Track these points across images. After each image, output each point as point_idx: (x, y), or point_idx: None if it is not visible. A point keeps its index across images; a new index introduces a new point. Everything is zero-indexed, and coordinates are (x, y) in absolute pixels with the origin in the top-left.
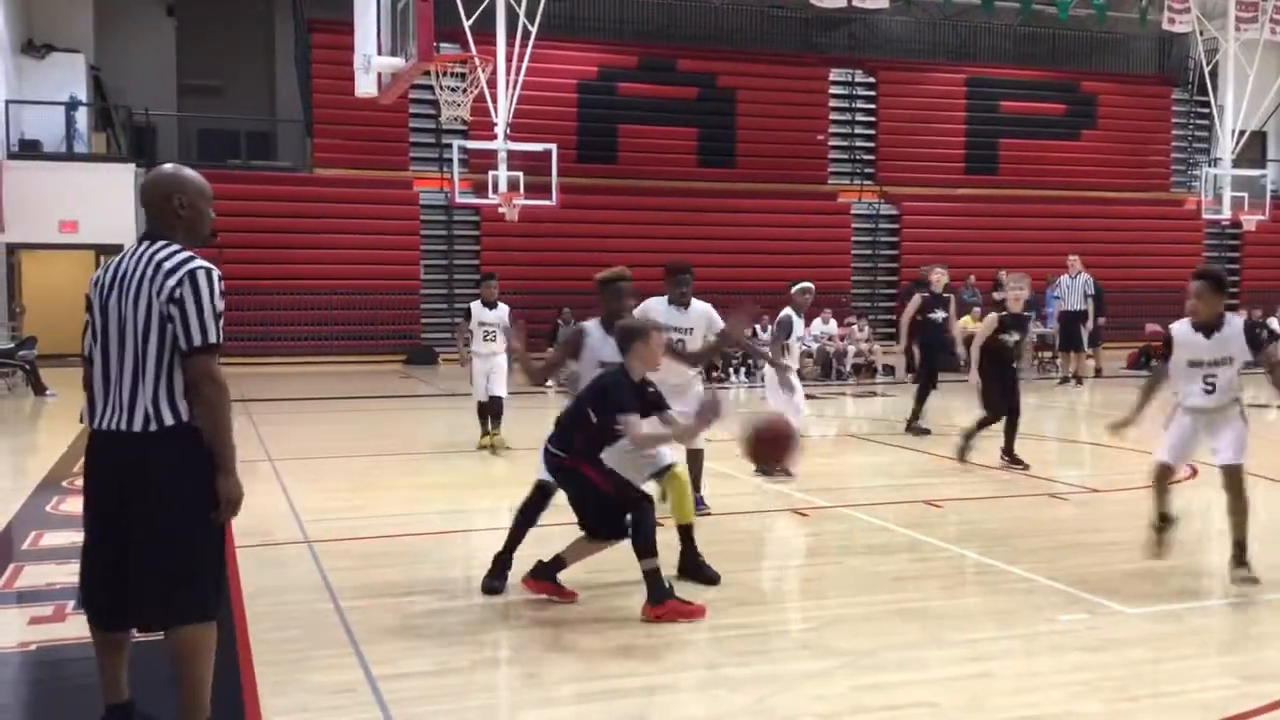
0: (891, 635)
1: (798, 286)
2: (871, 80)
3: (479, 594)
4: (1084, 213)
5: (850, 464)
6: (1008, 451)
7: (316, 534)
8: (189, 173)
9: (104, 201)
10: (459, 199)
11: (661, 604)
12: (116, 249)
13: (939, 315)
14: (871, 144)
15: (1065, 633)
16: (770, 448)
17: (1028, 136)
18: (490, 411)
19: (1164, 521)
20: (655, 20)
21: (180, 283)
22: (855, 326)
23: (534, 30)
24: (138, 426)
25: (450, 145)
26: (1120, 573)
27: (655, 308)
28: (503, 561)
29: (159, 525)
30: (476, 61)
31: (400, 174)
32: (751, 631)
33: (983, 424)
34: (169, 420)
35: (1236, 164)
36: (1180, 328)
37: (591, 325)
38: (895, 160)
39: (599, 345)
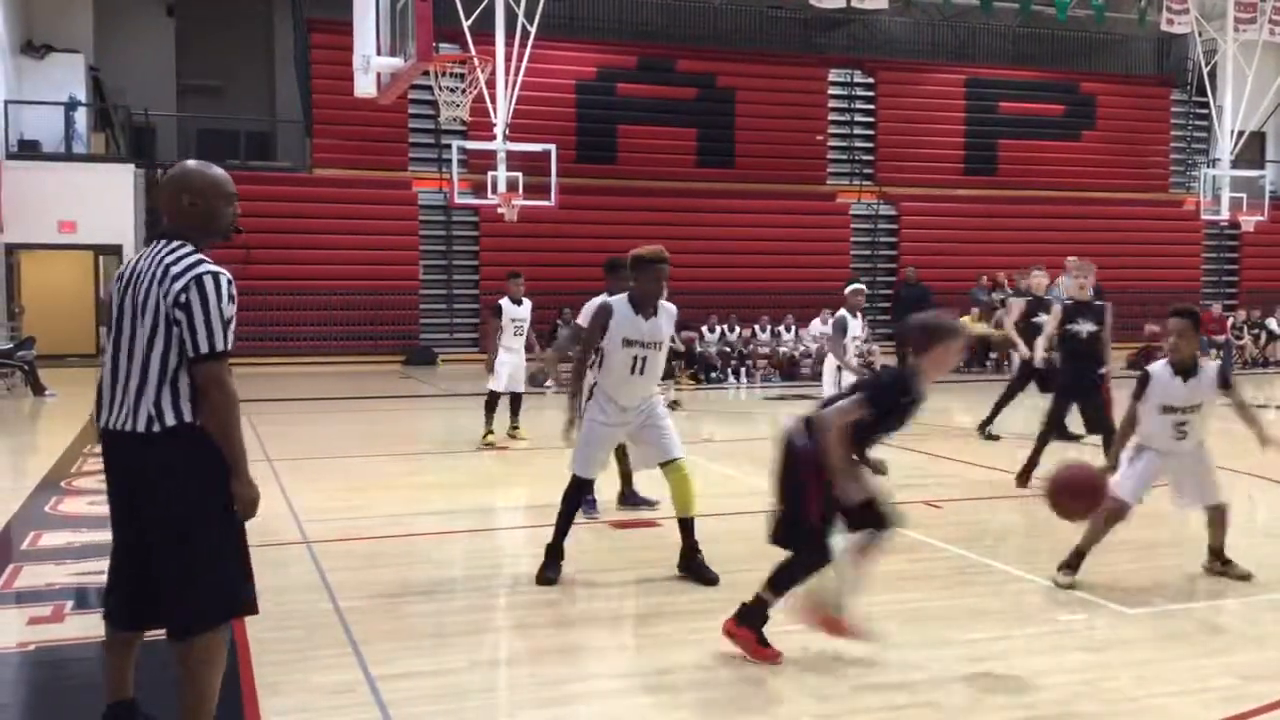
0: (892, 636)
1: (851, 287)
2: (870, 81)
3: (478, 594)
4: (1083, 213)
5: None
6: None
7: (315, 534)
8: (199, 168)
9: (103, 202)
10: (458, 199)
11: (744, 628)
12: (115, 250)
13: (1042, 318)
14: (870, 144)
15: (1065, 633)
16: (1074, 499)
17: (1026, 137)
18: (511, 406)
19: (1078, 558)
20: (654, 20)
21: (187, 287)
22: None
23: (533, 30)
24: (141, 427)
25: (449, 145)
26: (1120, 573)
27: (616, 303)
28: (555, 551)
29: (166, 528)
30: (475, 62)
31: (399, 174)
32: None
33: (1044, 440)
34: (170, 421)
35: (1235, 165)
36: (1159, 370)
37: (618, 301)
38: (894, 161)
39: (626, 323)
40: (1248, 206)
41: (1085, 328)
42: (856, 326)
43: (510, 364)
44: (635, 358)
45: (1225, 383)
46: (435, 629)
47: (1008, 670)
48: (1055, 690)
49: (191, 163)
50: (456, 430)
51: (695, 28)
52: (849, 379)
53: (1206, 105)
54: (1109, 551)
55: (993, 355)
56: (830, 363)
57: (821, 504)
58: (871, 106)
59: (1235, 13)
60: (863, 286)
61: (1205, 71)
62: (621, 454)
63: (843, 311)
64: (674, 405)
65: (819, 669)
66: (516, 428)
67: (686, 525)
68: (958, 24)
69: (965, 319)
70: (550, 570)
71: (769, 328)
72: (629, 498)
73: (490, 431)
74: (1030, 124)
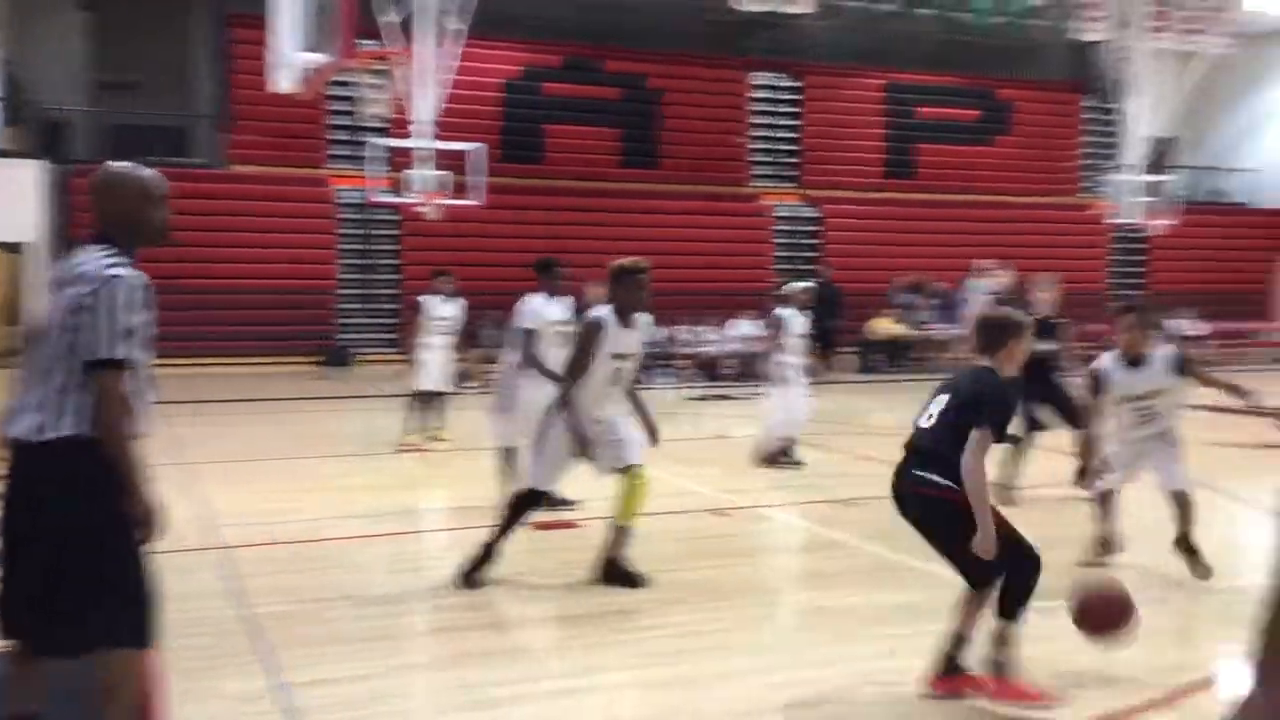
0: (810, 633)
1: (799, 286)
2: (795, 84)
3: (399, 598)
4: (998, 216)
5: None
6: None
7: (232, 539)
8: (127, 170)
9: (6, 198)
10: (379, 198)
11: (1002, 680)
12: (17, 248)
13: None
14: (794, 147)
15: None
16: (1100, 618)
17: (944, 142)
18: (433, 405)
19: (1105, 549)
20: (581, 20)
21: (93, 291)
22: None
23: (458, 28)
24: (33, 435)
25: (369, 143)
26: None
27: (606, 317)
28: (489, 554)
29: (43, 542)
30: (398, 58)
31: (317, 171)
32: (672, 632)
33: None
34: (63, 430)
35: (1143, 170)
36: (1108, 363)
37: (606, 315)
38: (817, 164)
39: (615, 336)
40: (1155, 211)
41: (1044, 345)
42: (800, 324)
43: (435, 362)
44: (616, 369)
45: (1180, 369)
46: (354, 634)
47: (923, 665)
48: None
49: (120, 164)
50: (377, 431)
51: (622, 28)
52: (796, 376)
53: (1116, 111)
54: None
55: (911, 355)
56: (776, 360)
57: (994, 525)
58: (796, 110)
59: (1145, 21)
60: (810, 285)
61: (1116, 79)
62: (506, 459)
63: (789, 309)
64: None
65: (738, 668)
66: (440, 428)
67: (622, 533)
68: (879, 30)
69: (881, 320)
70: (477, 572)
71: (693, 328)
72: (550, 499)
73: (415, 432)
74: (947, 129)
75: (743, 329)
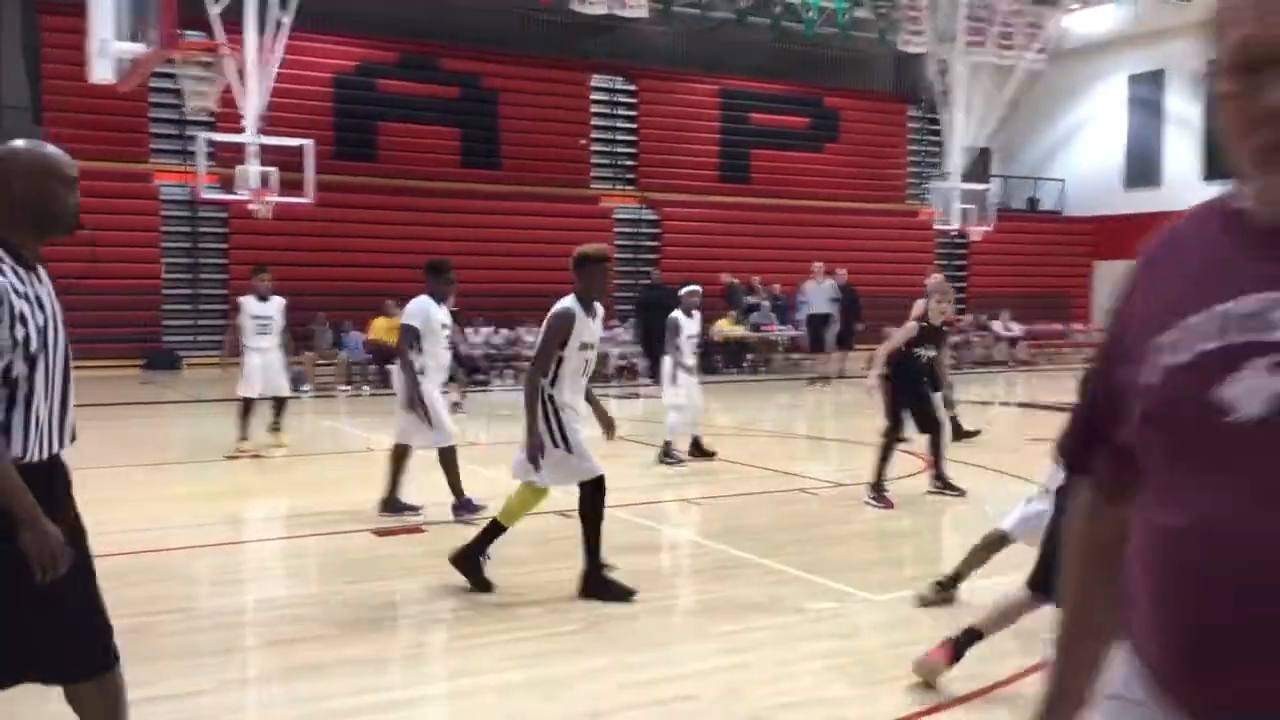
0: (655, 631)
1: (687, 289)
2: (633, 88)
3: (230, 611)
4: (828, 222)
5: (613, 465)
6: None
7: None
8: (28, 147)
9: None
10: (205, 194)
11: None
12: None
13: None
14: (633, 149)
15: (817, 621)
16: None
17: (777, 148)
18: (275, 410)
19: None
20: (418, 18)
21: None
22: (621, 330)
23: (287, 20)
24: None
25: (195, 137)
26: (865, 561)
27: (574, 307)
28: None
29: None
30: (224, 50)
31: (139, 166)
32: (520, 635)
33: (886, 447)
34: None
35: (963, 178)
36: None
37: (572, 305)
38: (655, 166)
39: (583, 326)
40: (975, 218)
41: (929, 352)
42: (692, 326)
43: (261, 366)
44: (585, 360)
45: None
46: (183, 649)
47: (763, 659)
48: (808, 677)
49: (19, 142)
50: (205, 438)
51: (460, 26)
52: (685, 378)
53: (939, 122)
54: (855, 542)
55: (750, 357)
56: (668, 363)
57: None
58: (634, 113)
59: (965, 35)
60: (697, 288)
61: (938, 90)
62: (400, 458)
63: (677, 312)
64: (456, 406)
65: (585, 669)
66: (278, 431)
67: (496, 530)
68: (714, 37)
69: (722, 322)
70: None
71: (535, 329)
72: (392, 504)
73: (245, 438)
74: (780, 135)
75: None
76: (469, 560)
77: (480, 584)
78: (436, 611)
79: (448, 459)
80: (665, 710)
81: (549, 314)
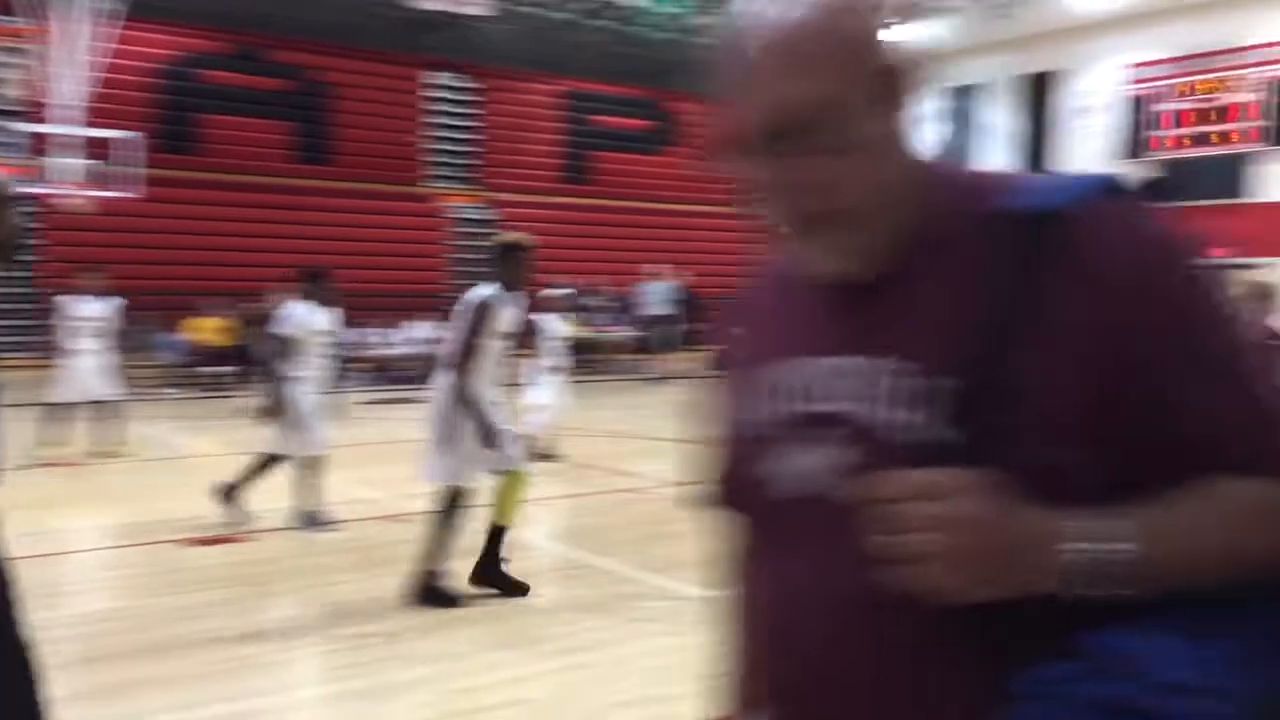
0: (485, 635)
1: (553, 291)
2: (473, 86)
3: (62, 625)
4: (668, 224)
5: None
6: None
7: None
8: None
9: None
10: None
11: None
12: None
13: None
14: (473, 148)
15: (650, 620)
16: None
17: (617, 150)
18: (106, 415)
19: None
20: (246, 7)
21: None
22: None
23: (102, 6)
24: None
25: (4, 126)
26: (700, 560)
27: (495, 296)
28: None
29: None
30: (35, 35)
31: None
32: (340, 646)
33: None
34: None
35: None
36: None
37: (493, 293)
38: (497, 165)
39: (507, 316)
40: None
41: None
42: (561, 328)
43: (86, 369)
44: (503, 351)
45: None
46: None
47: (598, 660)
48: (643, 675)
49: None
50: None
51: (292, 19)
52: (551, 377)
53: None
54: (689, 540)
55: (591, 357)
56: (535, 364)
57: None
58: (473, 111)
59: None
60: (569, 290)
61: None
62: (260, 466)
63: (544, 314)
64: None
65: (409, 678)
66: (116, 440)
67: (498, 535)
68: (556, 37)
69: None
70: (438, 599)
71: (362, 329)
72: (310, 518)
73: (57, 444)
74: (620, 137)
75: (421, 331)
76: (489, 572)
77: (515, 588)
78: (256, 623)
79: (311, 467)
80: (494, 716)
81: (468, 304)
